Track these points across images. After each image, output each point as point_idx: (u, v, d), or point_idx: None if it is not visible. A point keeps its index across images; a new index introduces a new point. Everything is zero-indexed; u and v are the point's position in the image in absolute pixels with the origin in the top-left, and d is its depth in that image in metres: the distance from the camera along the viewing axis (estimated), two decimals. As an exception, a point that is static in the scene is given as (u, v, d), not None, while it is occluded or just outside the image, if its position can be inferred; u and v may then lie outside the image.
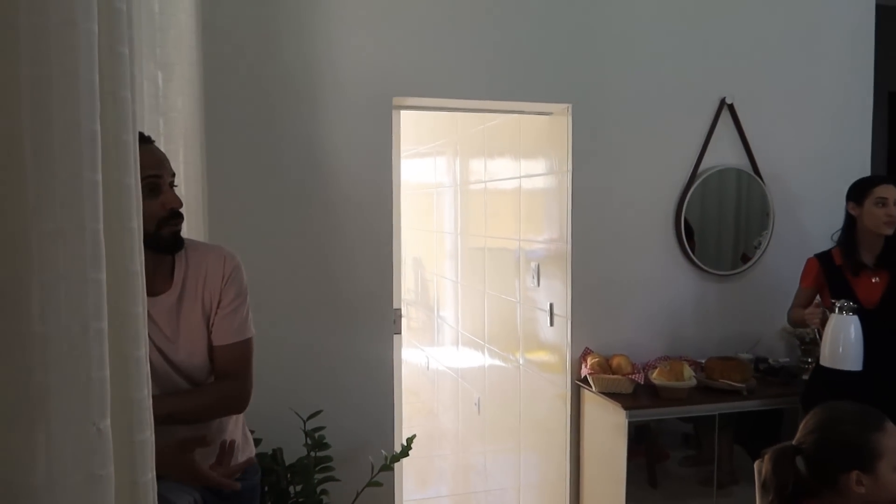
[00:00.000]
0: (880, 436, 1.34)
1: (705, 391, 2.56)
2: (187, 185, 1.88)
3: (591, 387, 2.61)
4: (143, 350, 0.72)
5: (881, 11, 3.06)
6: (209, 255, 1.43)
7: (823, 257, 2.39)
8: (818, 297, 2.42)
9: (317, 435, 2.27)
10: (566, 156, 2.73)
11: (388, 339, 2.58)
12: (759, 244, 2.92)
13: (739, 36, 2.86)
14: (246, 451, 1.55)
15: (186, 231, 1.81)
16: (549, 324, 2.91)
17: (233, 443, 1.38)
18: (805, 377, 2.60)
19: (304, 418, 2.27)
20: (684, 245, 2.82)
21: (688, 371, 2.54)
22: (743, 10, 2.86)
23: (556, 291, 2.86)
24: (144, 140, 1.30)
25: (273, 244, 2.44)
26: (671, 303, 2.84)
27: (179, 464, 1.23)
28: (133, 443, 0.70)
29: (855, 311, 2.14)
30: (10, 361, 0.57)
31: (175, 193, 1.33)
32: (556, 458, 2.89)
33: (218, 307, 1.41)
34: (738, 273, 2.91)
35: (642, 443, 2.57)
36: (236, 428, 1.52)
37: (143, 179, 1.24)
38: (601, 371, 2.57)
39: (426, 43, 2.54)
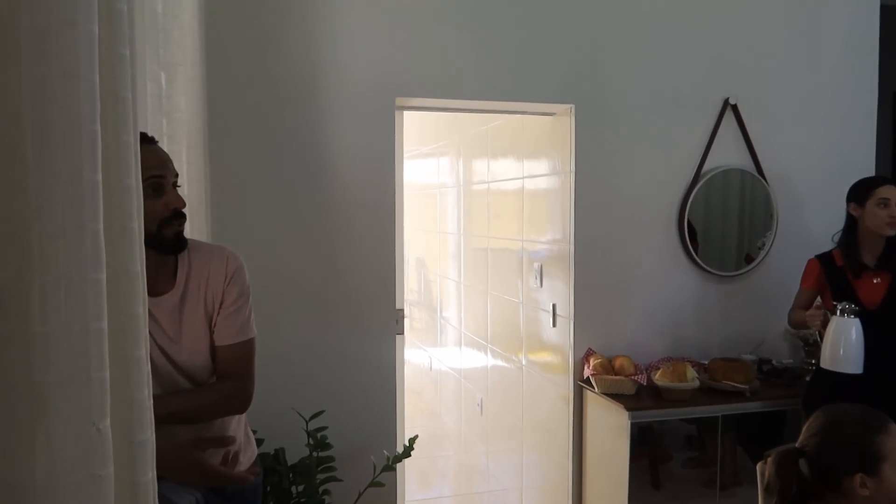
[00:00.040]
0: (884, 438, 1.33)
1: (708, 392, 2.55)
2: (190, 186, 1.89)
3: (593, 388, 2.60)
4: (144, 350, 0.72)
5: (886, 11, 3.05)
6: (212, 255, 1.43)
7: (824, 258, 2.38)
8: (819, 298, 2.41)
9: (319, 435, 2.27)
10: (569, 156, 2.73)
11: (390, 340, 2.58)
12: (763, 245, 2.91)
13: (743, 36, 2.85)
14: (248, 451, 1.56)
15: (190, 231, 1.81)
16: (551, 324, 2.91)
17: (236, 454, 1.37)
18: (808, 379, 2.59)
19: (307, 418, 2.27)
20: (687, 246, 2.81)
21: (691, 372, 2.53)
22: (746, 10, 2.85)
23: (558, 292, 2.85)
24: (148, 140, 1.31)
25: (276, 244, 2.44)
26: (674, 303, 2.83)
27: (191, 462, 1.23)
28: (133, 443, 0.70)
29: (856, 314, 2.13)
30: (11, 361, 0.57)
31: (178, 193, 1.34)
32: (558, 459, 2.89)
33: (220, 307, 1.41)
34: (741, 274, 2.90)
35: (645, 444, 2.56)
36: (238, 428, 1.52)
37: (146, 179, 1.25)
38: (604, 372, 2.57)
39: (429, 44, 2.55)
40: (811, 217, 2.92)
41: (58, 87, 0.58)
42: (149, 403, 0.74)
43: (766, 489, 1.41)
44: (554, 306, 2.89)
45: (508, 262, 3.36)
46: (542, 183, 2.99)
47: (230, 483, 1.26)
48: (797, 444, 1.40)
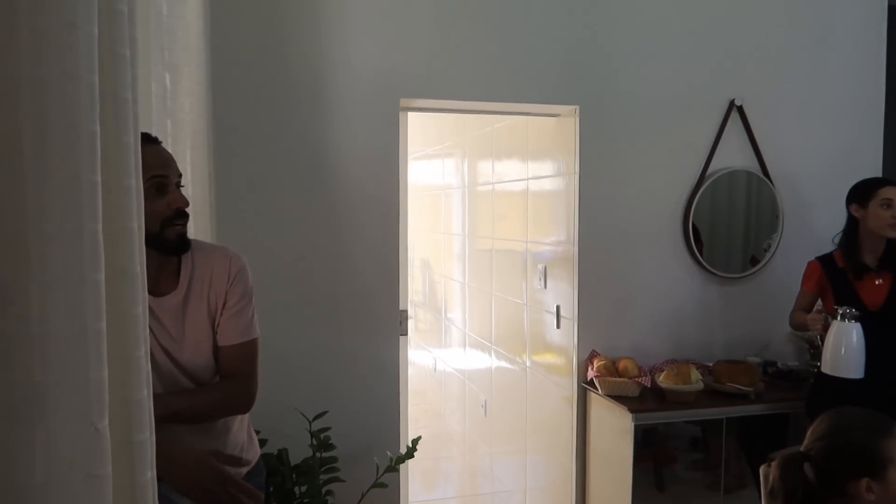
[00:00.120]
0: (890, 442, 1.32)
1: (713, 395, 2.54)
2: (194, 187, 1.89)
3: (597, 389, 2.59)
4: (144, 350, 0.72)
5: (893, 12, 3.03)
6: (215, 255, 1.43)
7: (825, 260, 2.37)
8: (820, 300, 2.40)
9: (322, 436, 2.27)
10: (573, 158, 2.72)
11: (394, 341, 2.58)
12: (769, 247, 2.90)
13: (749, 37, 2.84)
14: (251, 452, 1.56)
15: (194, 232, 1.82)
16: (555, 326, 2.90)
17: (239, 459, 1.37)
18: (810, 382, 2.58)
19: (310, 419, 2.27)
20: (692, 247, 2.80)
21: (695, 374, 2.52)
22: (752, 10, 2.84)
23: (562, 293, 2.85)
24: (151, 140, 1.31)
25: (280, 245, 2.45)
26: (679, 305, 2.82)
27: (214, 473, 1.22)
28: (132, 443, 0.70)
29: (857, 319, 2.12)
30: (9, 362, 0.58)
31: (181, 193, 1.34)
32: (562, 461, 2.88)
33: (223, 308, 1.41)
34: (746, 276, 2.88)
35: (649, 446, 2.55)
36: (241, 428, 1.53)
37: (149, 179, 1.26)
38: (608, 374, 2.56)
39: (434, 45, 2.55)
40: (817, 219, 2.90)
41: (57, 87, 0.58)
42: (148, 404, 0.74)
43: (771, 493, 1.40)
44: (558, 308, 2.88)
45: (513, 263, 3.36)
46: (547, 184, 2.99)
47: (244, 494, 1.26)
48: (802, 448, 1.39)
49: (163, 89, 1.79)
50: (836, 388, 2.17)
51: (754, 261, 2.90)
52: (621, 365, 2.60)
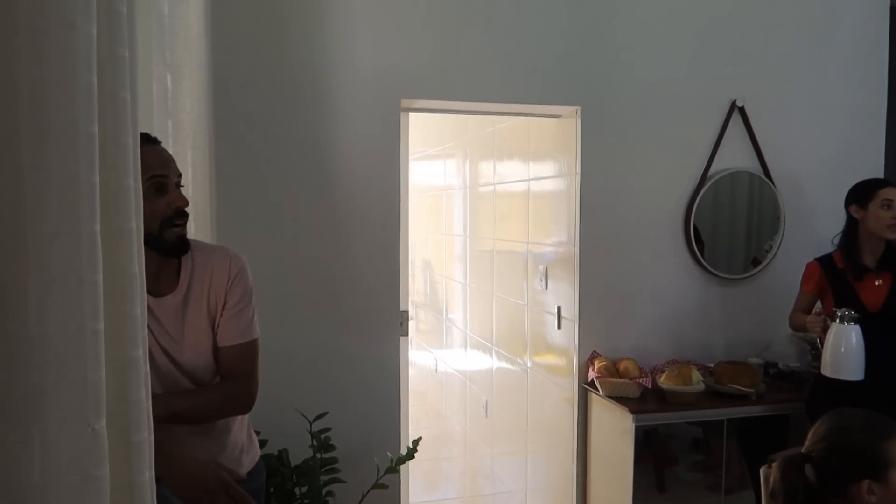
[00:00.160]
0: (892, 444, 1.32)
1: (713, 396, 2.54)
2: (195, 187, 1.89)
3: (598, 390, 2.59)
4: (142, 351, 0.72)
5: (895, 13, 3.02)
6: (215, 256, 1.43)
7: (824, 261, 2.36)
8: (819, 302, 2.39)
9: (323, 436, 2.27)
10: (575, 159, 2.72)
11: (394, 342, 2.58)
12: (770, 248, 2.89)
13: (750, 38, 2.83)
14: (251, 453, 1.56)
15: (194, 232, 1.82)
16: (556, 327, 2.90)
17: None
18: (811, 384, 2.57)
19: (311, 420, 2.27)
20: (693, 248, 2.79)
21: (696, 375, 2.51)
22: (754, 11, 2.83)
23: (563, 294, 2.84)
24: (151, 140, 1.31)
25: (280, 246, 2.45)
26: (680, 306, 2.82)
27: (218, 481, 1.22)
28: (130, 443, 0.70)
29: (856, 321, 2.11)
30: (6, 362, 0.58)
31: (181, 193, 1.34)
32: (563, 462, 2.88)
33: (223, 308, 1.41)
34: (748, 277, 2.88)
35: (650, 447, 2.55)
36: (241, 429, 1.53)
37: (149, 179, 1.26)
38: (608, 375, 2.55)
39: (435, 45, 2.55)
40: (819, 220, 2.90)
41: (54, 88, 0.58)
42: (147, 404, 0.74)
43: (771, 495, 1.40)
44: (559, 309, 2.88)
45: (514, 264, 3.36)
46: (548, 185, 2.98)
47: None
48: (803, 450, 1.38)
49: (164, 90, 1.79)
50: (836, 389, 2.16)
51: (756, 262, 2.90)
52: (622, 366, 2.60)
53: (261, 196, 2.43)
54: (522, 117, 3.05)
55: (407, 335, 2.65)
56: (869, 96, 2.99)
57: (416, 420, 3.98)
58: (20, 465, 0.58)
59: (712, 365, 2.69)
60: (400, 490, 2.56)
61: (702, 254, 2.81)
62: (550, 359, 3.00)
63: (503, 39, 2.60)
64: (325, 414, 2.29)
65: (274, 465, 2.18)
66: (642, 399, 2.50)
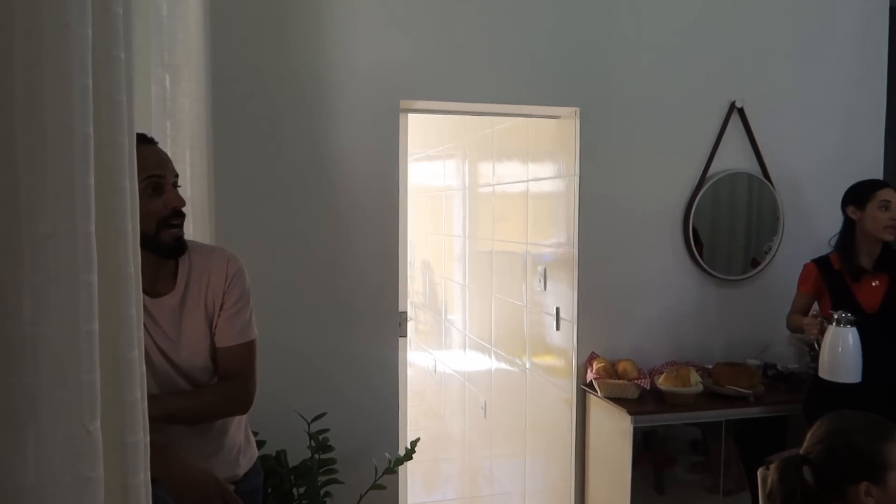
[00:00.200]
0: (890, 446, 1.32)
1: (712, 397, 2.54)
2: (193, 188, 1.89)
3: (596, 391, 2.59)
4: (137, 352, 0.72)
5: (894, 13, 3.03)
6: (212, 257, 1.43)
7: (821, 262, 2.36)
8: (816, 304, 2.39)
9: (321, 437, 2.27)
10: (574, 159, 2.72)
11: (393, 342, 2.58)
12: (769, 249, 2.89)
13: (750, 39, 2.83)
14: (248, 453, 1.56)
15: (193, 233, 1.82)
16: (555, 328, 2.90)
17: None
18: (808, 385, 2.57)
19: (309, 420, 2.27)
20: (692, 250, 2.79)
21: (694, 377, 2.51)
22: (753, 12, 2.84)
23: (562, 295, 2.84)
24: (148, 141, 1.31)
25: (279, 246, 2.45)
26: (678, 307, 2.82)
27: (216, 488, 1.23)
28: (125, 444, 0.70)
29: (853, 323, 2.11)
30: (0, 363, 0.58)
31: (178, 193, 1.34)
32: (561, 463, 2.87)
33: (221, 309, 1.41)
34: (747, 278, 2.88)
35: (648, 448, 2.55)
36: (239, 430, 1.52)
37: (145, 179, 1.26)
38: (607, 376, 2.55)
39: (434, 46, 2.55)
40: (818, 221, 2.90)
41: (49, 89, 0.58)
42: (142, 405, 0.74)
43: (769, 496, 1.40)
44: (558, 310, 2.88)
45: (513, 265, 3.36)
46: (547, 186, 2.98)
47: None
48: (801, 451, 1.38)
49: (162, 90, 1.79)
50: (833, 391, 2.16)
51: (755, 263, 2.90)
52: (620, 367, 2.60)
53: (259, 197, 2.43)
54: (521, 118, 3.05)
55: (406, 336, 2.65)
56: (868, 97, 2.99)
57: (415, 421, 3.98)
58: (14, 467, 0.58)
59: (711, 366, 2.69)
60: (398, 491, 2.56)
61: (701, 255, 2.81)
62: (549, 360, 3.00)
63: (502, 40, 2.60)
64: (323, 415, 2.29)
65: (272, 465, 2.18)
66: (641, 400, 2.50)
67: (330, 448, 2.27)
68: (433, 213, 4.80)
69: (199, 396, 1.40)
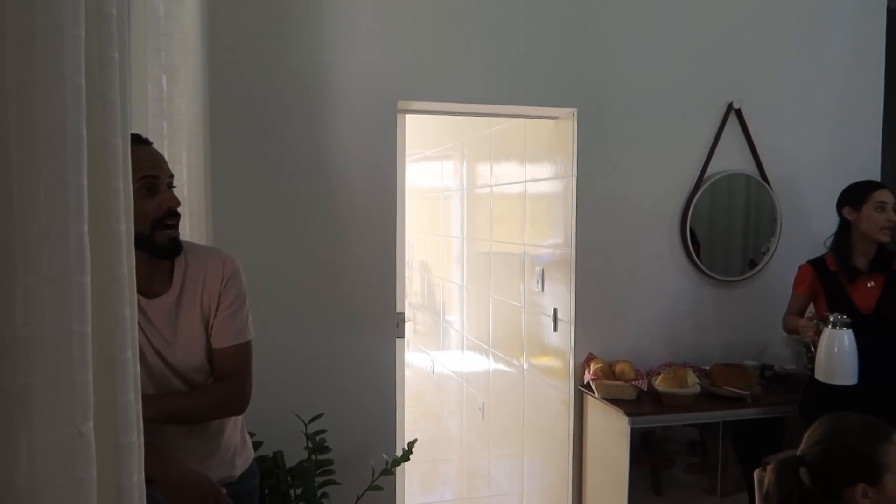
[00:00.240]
0: (887, 448, 1.32)
1: (709, 398, 2.54)
2: (190, 188, 1.89)
3: (594, 393, 2.59)
4: (131, 353, 0.72)
5: (892, 15, 3.03)
6: (208, 257, 1.43)
7: (817, 263, 2.37)
8: (812, 305, 2.39)
9: (318, 438, 2.27)
10: (571, 160, 2.72)
11: (390, 343, 2.58)
12: (767, 250, 2.89)
13: (747, 40, 2.84)
14: (244, 454, 1.55)
15: (190, 233, 1.82)
16: (553, 329, 2.90)
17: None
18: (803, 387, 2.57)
19: (306, 421, 2.26)
20: (690, 251, 2.80)
21: (692, 378, 2.51)
22: (751, 13, 2.84)
23: (560, 296, 2.84)
24: (142, 141, 1.31)
25: (276, 247, 2.44)
26: (676, 309, 2.82)
27: (205, 480, 1.22)
28: (119, 446, 0.70)
29: (848, 325, 2.11)
30: (-7, 364, 0.57)
31: (172, 193, 1.34)
32: (559, 464, 2.87)
33: (217, 310, 1.41)
34: (744, 279, 2.88)
35: (646, 449, 2.55)
36: (234, 430, 1.52)
37: (140, 179, 1.26)
38: (604, 377, 2.55)
39: (431, 47, 2.55)
40: (815, 222, 2.90)
41: (43, 89, 0.58)
42: (135, 406, 0.74)
43: (766, 497, 1.40)
44: (555, 311, 2.88)
45: (511, 266, 3.35)
46: (545, 187, 2.98)
47: None
48: (798, 453, 1.38)
49: (159, 91, 1.79)
50: (829, 392, 2.17)
51: (752, 264, 2.90)
52: (618, 368, 2.60)
53: (256, 197, 2.43)
54: (519, 119, 3.05)
55: (403, 337, 2.65)
56: (865, 98, 2.99)
57: (413, 422, 3.98)
58: (6, 468, 0.58)
59: (708, 367, 2.69)
60: (395, 492, 2.56)
61: (698, 256, 2.81)
62: (547, 361, 3.00)
63: (500, 41, 2.60)
64: (320, 415, 2.28)
65: (269, 466, 2.18)
66: (638, 401, 2.50)
67: (327, 449, 2.27)
68: (431, 214, 4.80)
69: (195, 397, 1.40)
